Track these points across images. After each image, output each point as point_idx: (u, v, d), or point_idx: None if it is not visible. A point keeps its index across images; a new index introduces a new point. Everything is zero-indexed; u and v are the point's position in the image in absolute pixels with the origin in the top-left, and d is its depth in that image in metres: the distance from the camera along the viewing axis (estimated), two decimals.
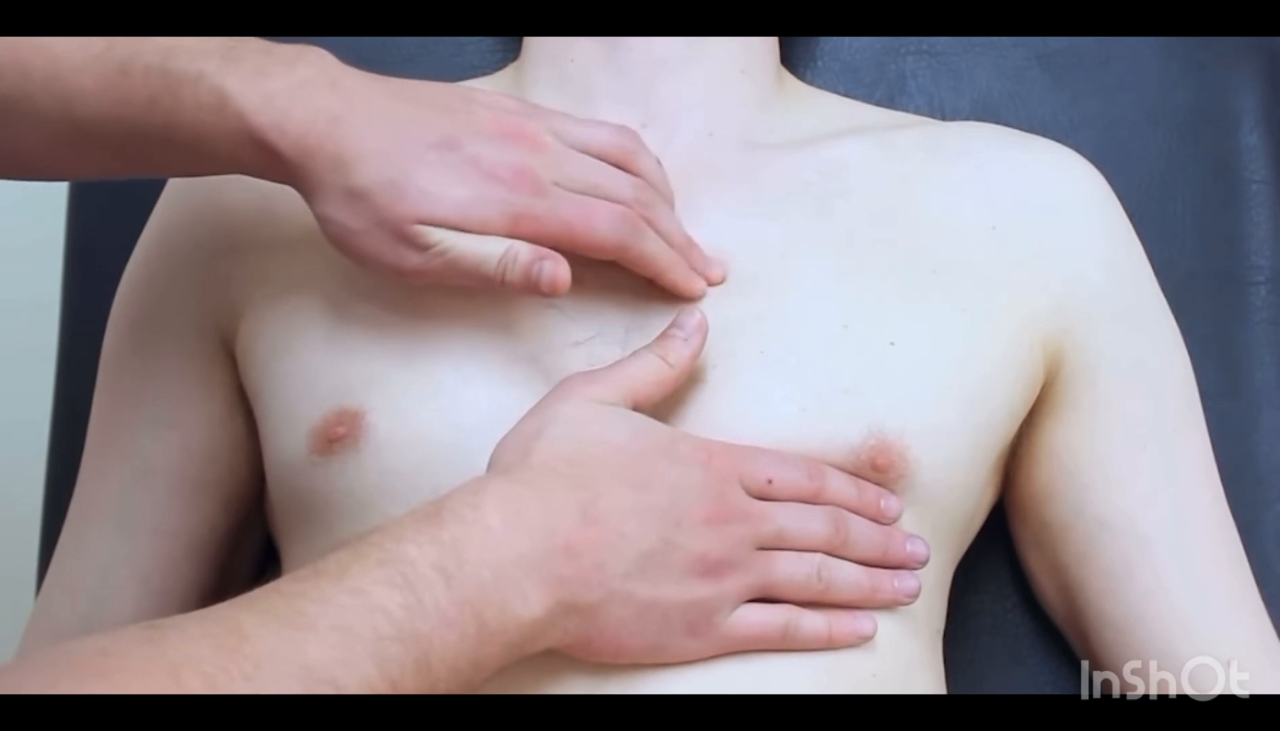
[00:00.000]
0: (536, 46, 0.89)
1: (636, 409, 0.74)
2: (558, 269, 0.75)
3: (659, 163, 0.81)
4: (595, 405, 0.72)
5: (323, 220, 0.75)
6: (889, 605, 0.76)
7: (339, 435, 0.78)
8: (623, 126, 0.80)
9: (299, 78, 0.73)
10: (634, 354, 0.75)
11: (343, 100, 0.74)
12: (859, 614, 0.75)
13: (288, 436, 0.80)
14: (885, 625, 0.76)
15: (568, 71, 0.87)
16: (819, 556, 0.74)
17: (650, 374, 0.74)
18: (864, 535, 0.76)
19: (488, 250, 0.74)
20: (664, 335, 0.76)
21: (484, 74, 0.97)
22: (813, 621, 0.74)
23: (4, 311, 1.34)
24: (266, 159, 0.73)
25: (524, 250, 0.75)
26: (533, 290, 0.75)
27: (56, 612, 0.87)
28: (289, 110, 0.73)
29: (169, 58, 0.73)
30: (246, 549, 0.92)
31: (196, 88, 0.73)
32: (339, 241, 0.75)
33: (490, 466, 0.72)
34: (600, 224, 0.76)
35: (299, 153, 0.73)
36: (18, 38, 0.73)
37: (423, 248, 0.74)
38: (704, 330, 0.76)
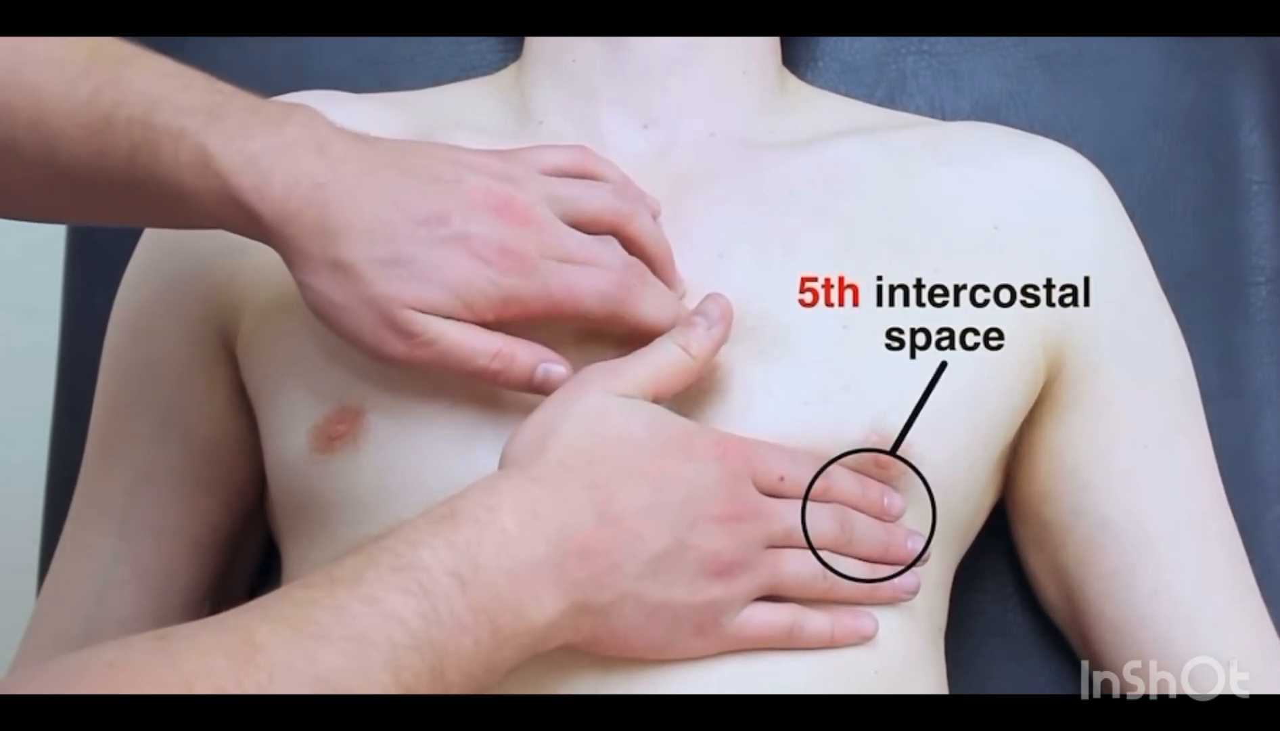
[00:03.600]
0: (538, 47, 0.89)
1: (655, 401, 0.73)
2: (563, 372, 0.73)
3: (654, 219, 0.79)
4: (613, 398, 0.72)
5: (304, 288, 0.73)
6: (889, 602, 0.76)
7: (339, 433, 0.78)
8: (616, 187, 0.79)
9: (285, 139, 0.72)
10: (656, 342, 0.74)
11: (328, 165, 0.72)
12: (861, 613, 0.75)
13: (289, 434, 0.80)
14: (887, 621, 0.76)
15: (569, 72, 0.87)
16: (824, 555, 0.74)
17: (671, 365, 0.74)
18: (867, 533, 0.76)
19: (478, 346, 0.72)
20: (687, 323, 0.75)
21: (484, 74, 0.97)
22: (817, 622, 0.74)
23: (4, 313, 1.34)
24: (247, 220, 0.72)
25: (521, 351, 0.73)
26: (535, 391, 0.74)
27: (57, 613, 0.87)
28: (271, 172, 0.71)
29: (153, 111, 0.71)
30: (248, 548, 0.92)
31: (178, 144, 0.71)
32: (319, 312, 0.73)
33: (504, 459, 0.71)
34: (585, 295, 0.74)
35: (279, 217, 0.71)
36: (5, 79, 0.72)
37: (408, 335, 0.72)
38: (728, 318, 0.75)
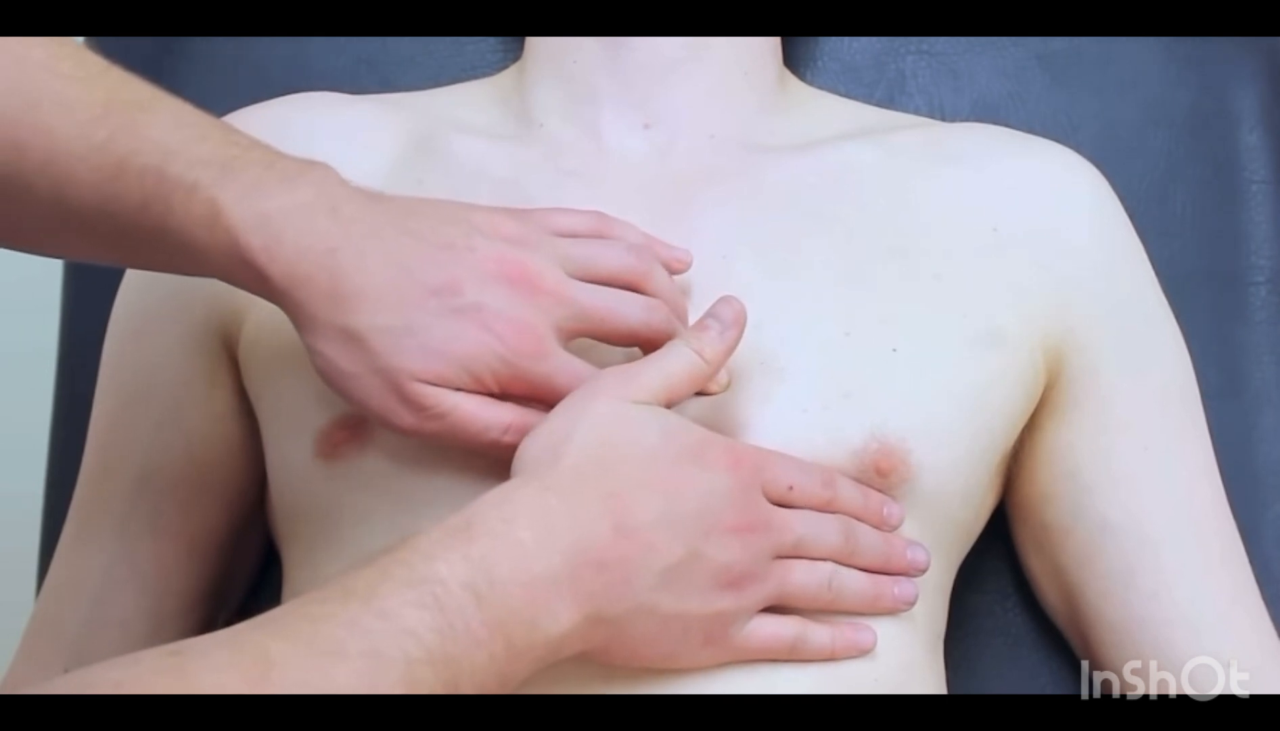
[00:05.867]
0: (538, 47, 0.89)
1: (668, 406, 0.73)
2: None
3: (671, 277, 0.78)
4: (627, 406, 0.71)
5: (312, 352, 0.72)
6: (889, 612, 0.76)
7: (344, 439, 0.77)
8: (633, 245, 0.77)
9: (298, 199, 0.70)
10: (668, 347, 0.74)
11: (341, 229, 0.71)
12: (861, 626, 0.75)
13: (292, 440, 0.80)
14: (885, 630, 0.76)
15: (570, 72, 0.87)
16: (830, 566, 0.74)
17: (684, 371, 0.73)
18: (870, 544, 0.76)
19: (490, 420, 0.72)
20: (699, 326, 0.75)
21: (484, 74, 0.97)
22: (820, 634, 0.74)
23: (4, 312, 1.34)
24: (255, 279, 0.70)
25: (533, 423, 0.72)
26: None
27: (57, 614, 0.87)
28: (282, 233, 0.70)
29: (167, 161, 0.70)
30: (248, 550, 0.91)
31: (190, 198, 0.70)
32: (327, 377, 0.72)
33: (517, 465, 0.71)
34: None
35: (289, 280, 0.70)
36: (19, 118, 0.71)
37: (419, 408, 0.71)
38: (741, 322, 0.75)
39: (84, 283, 1.02)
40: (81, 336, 1.00)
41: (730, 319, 0.75)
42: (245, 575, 0.92)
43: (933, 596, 0.80)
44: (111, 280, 0.91)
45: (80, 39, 0.97)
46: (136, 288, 0.89)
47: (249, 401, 0.85)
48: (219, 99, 0.87)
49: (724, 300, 0.75)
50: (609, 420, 0.70)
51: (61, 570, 0.88)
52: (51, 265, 1.05)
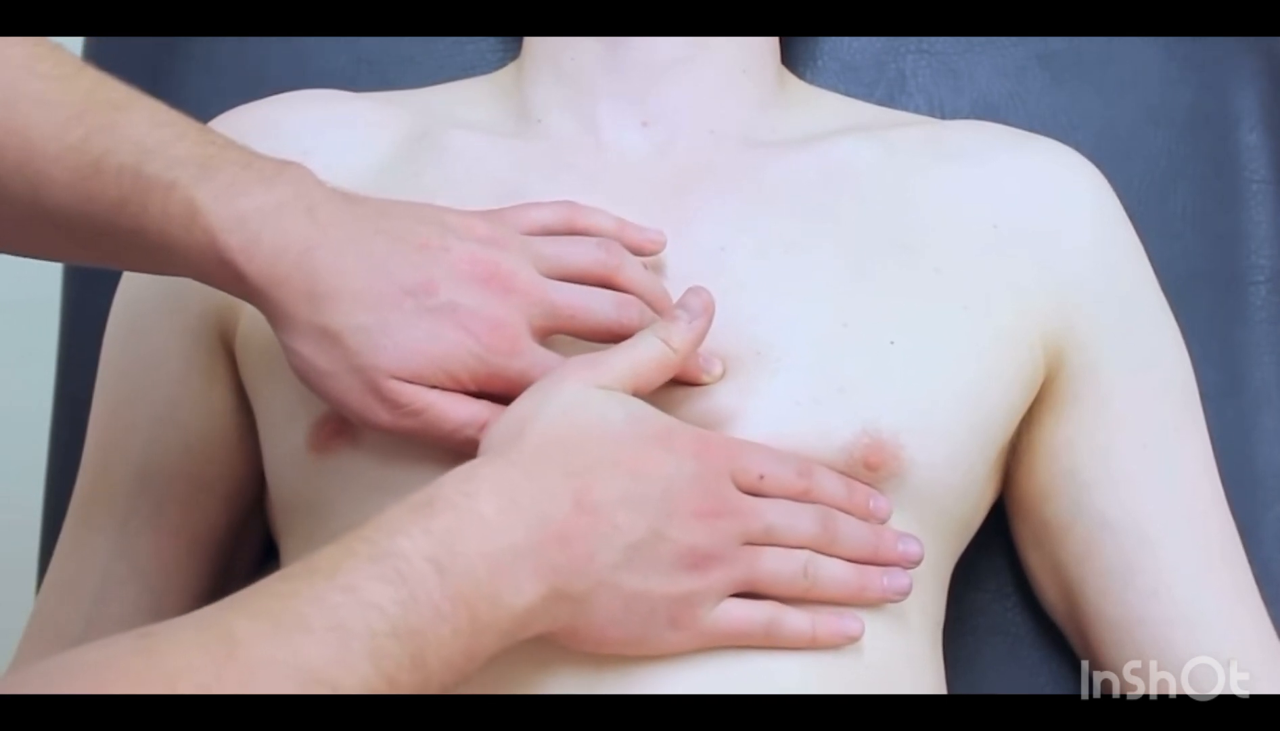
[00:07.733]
0: (537, 46, 0.89)
1: (636, 394, 0.73)
2: None
3: (645, 267, 0.79)
4: (592, 390, 0.72)
5: (289, 351, 0.73)
6: (878, 603, 0.76)
7: (334, 433, 0.78)
8: (602, 241, 0.78)
9: (275, 199, 0.71)
10: (637, 336, 0.75)
11: (318, 229, 0.71)
12: (845, 614, 0.75)
13: (287, 432, 0.80)
14: (877, 622, 0.75)
15: (567, 69, 0.87)
16: (806, 553, 0.74)
17: (652, 359, 0.74)
18: (853, 534, 0.75)
19: (464, 416, 0.73)
20: (669, 315, 0.75)
21: (483, 73, 0.97)
22: (796, 619, 0.73)
23: (4, 309, 1.34)
24: (232, 278, 0.71)
25: None
26: None
27: (57, 612, 0.87)
28: (260, 233, 0.70)
29: (144, 161, 0.70)
30: (247, 546, 0.91)
31: (167, 197, 0.70)
32: (304, 376, 0.73)
33: (483, 446, 0.71)
34: None
35: (266, 280, 0.71)
36: None
37: (395, 405, 0.72)
38: (710, 311, 0.75)
39: (84, 283, 1.02)
40: (81, 336, 1.00)
41: (699, 308, 0.75)
42: (245, 572, 0.92)
43: (928, 589, 0.80)
44: (111, 280, 0.91)
45: (80, 39, 0.97)
46: (134, 285, 0.89)
47: (247, 396, 0.86)
48: (219, 99, 0.87)
49: (692, 290, 0.76)
50: (574, 402, 0.71)
51: (61, 568, 0.88)
52: (51, 265, 1.05)
